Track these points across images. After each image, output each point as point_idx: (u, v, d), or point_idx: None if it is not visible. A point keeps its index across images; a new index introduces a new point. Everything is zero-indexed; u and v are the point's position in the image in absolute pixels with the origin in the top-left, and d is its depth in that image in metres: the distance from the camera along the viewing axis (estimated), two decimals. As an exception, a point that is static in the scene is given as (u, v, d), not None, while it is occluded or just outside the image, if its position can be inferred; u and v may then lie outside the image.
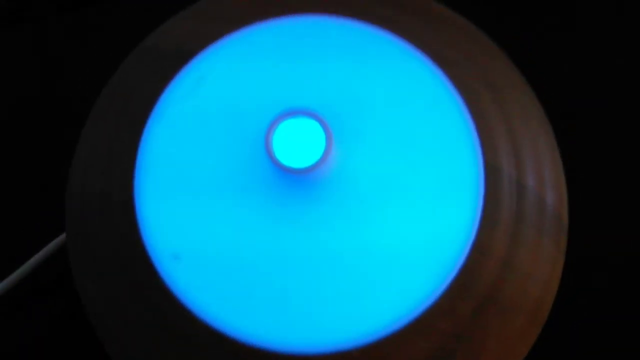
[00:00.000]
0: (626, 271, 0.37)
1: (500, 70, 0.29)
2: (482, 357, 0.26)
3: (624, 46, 0.39)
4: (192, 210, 0.26)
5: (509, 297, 0.27)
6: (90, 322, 0.28)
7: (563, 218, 0.28)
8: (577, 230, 0.36)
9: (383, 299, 0.25)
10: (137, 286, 0.26)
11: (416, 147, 0.26)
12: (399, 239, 0.26)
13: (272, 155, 0.23)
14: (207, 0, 0.29)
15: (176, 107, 0.27)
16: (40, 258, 0.32)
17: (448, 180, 0.26)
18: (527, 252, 0.27)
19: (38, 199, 0.37)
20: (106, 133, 0.28)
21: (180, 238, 0.26)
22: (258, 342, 0.25)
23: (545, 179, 0.28)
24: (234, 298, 0.25)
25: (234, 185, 0.25)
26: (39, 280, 0.34)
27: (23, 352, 0.34)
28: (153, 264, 0.26)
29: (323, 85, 0.26)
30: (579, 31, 0.39)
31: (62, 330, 0.34)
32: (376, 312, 0.25)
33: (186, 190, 0.26)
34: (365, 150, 0.26)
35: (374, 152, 0.26)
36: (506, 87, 0.29)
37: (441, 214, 0.26)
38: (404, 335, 0.25)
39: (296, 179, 0.24)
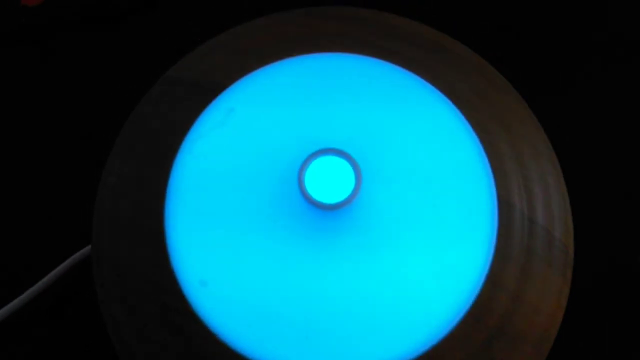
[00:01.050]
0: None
1: (511, 107, 0.31)
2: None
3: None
4: (220, 239, 0.27)
5: (518, 328, 0.28)
6: (113, 344, 0.29)
7: (569, 250, 0.30)
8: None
9: (399, 329, 0.27)
10: (164, 310, 0.27)
11: (435, 183, 0.27)
12: (417, 272, 0.27)
13: (304, 191, 0.24)
14: (234, 32, 0.30)
15: (206, 138, 0.27)
16: (59, 273, 0.33)
17: (464, 215, 0.28)
18: (536, 285, 0.28)
19: (60, 213, 0.37)
20: (135, 160, 0.28)
21: (208, 265, 0.26)
22: (280, 367, 0.26)
23: (554, 213, 0.29)
24: (259, 325, 0.26)
25: (261, 216, 0.26)
26: (57, 295, 0.35)
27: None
28: (181, 290, 0.26)
29: (348, 122, 0.27)
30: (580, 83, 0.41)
31: (81, 345, 0.35)
32: (393, 342, 0.27)
33: (215, 219, 0.27)
34: (388, 186, 0.27)
35: (395, 189, 0.27)
36: (517, 123, 0.30)
37: (457, 248, 0.27)
38: (420, 364, 0.27)
39: (324, 213, 0.26)
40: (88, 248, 0.35)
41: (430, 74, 0.29)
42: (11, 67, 0.40)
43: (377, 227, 0.27)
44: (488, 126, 0.29)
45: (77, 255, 0.35)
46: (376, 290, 0.26)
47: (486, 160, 0.28)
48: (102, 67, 0.40)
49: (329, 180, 0.25)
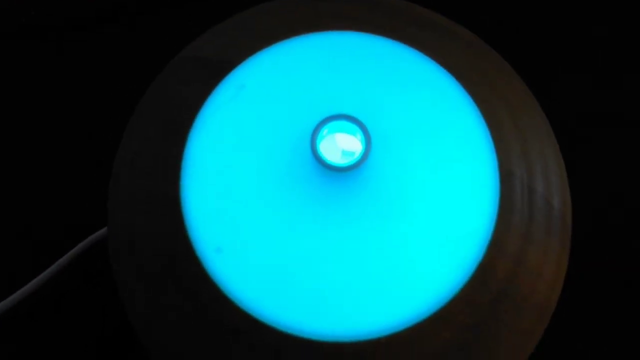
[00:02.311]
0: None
1: (511, 84, 0.32)
2: (497, 349, 0.29)
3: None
4: (234, 206, 0.28)
5: (521, 292, 0.29)
6: (128, 314, 0.29)
7: (567, 220, 0.31)
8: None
9: (408, 291, 0.28)
10: (181, 277, 0.28)
11: (439, 151, 0.29)
12: (423, 236, 0.28)
13: (316, 154, 0.25)
14: (244, 14, 0.32)
15: (219, 112, 0.29)
16: (77, 252, 0.34)
17: (468, 183, 0.29)
18: (537, 251, 0.30)
19: (76, 192, 0.38)
20: (151, 133, 0.30)
21: (223, 232, 0.27)
22: (294, 330, 0.27)
23: (552, 184, 0.31)
24: (273, 289, 0.27)
25: (274, 183, 0.28)
26: (75, 273, 0.36)
27: (60, 344, 0.35)
28: (197, 257, 0.27)
29: (357, 94, 0.29)
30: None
31: (98, 323, 0.35)
32: (402, 303, 0.28)
33: (229, 188, 0.28)
34: (395, 153, 0.28)
35: (402, 156, 0.28)
36: (515, 97, 0.32)
37: (462, 213, 0.28)
38: (427, 326, 0.28)
39: (335, 178, 0.27)
40: (88, 239, 0.36)
41: (434, 53, 0.30)
42: (15, 63, 0.41)
43: (384, 193, 0.28)
44: (488, 99, 0.30)
45: (78, 248, 0.35)
46: (383, 253, 0.27)
47: (487, 129, 0.29)
48: (103, 66, 0.41)
49: (339, 147, 0.26)
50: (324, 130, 0.26)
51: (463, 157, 0.29)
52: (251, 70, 0.29)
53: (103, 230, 0.34)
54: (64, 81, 0.41)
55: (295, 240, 0.27)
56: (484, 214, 0.29)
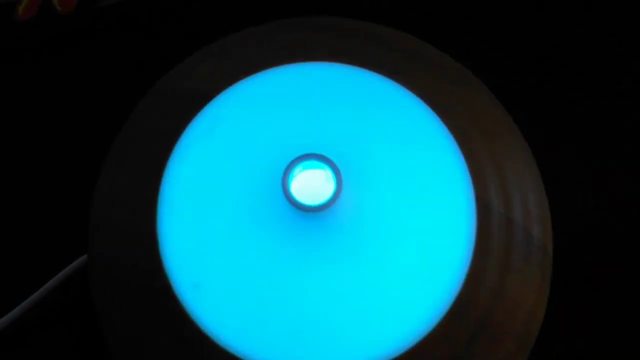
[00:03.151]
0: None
1: (489, 111, 0.32)
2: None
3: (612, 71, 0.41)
4: (211, 242, 0.28)
5: (499, 323, 0.29)
6: (108, 346, 0.30)
7: (548, 249, 0.31)
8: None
9: (385, 327, 0.28)
10: (158, 313, 0.28)
11: (414, 185, 0.29)
12: (399, 271, 0.28)
13: (288, 195, 0.25)
14: (222, 42, 0.32)
15: (196, 146, 0.29)
16: (57, 281, 0.34)
17: (443, 215, 0.29)
18: (516, 281, 0.30)
19: (56, 223, 0.38)
20: (128, 169, 0.30)
21: (201, 268, 0.28)
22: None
23: (532, 213, 0.31)
24: (250, 326, 0.27)
25: (249, 220, 0.28)
26: (55, 303, 0.36)
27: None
28: (174, 292, 0.28)
29: (331, 129, 0.29)
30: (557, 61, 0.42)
31: (78, 354, 0.36)
32: (379, 339, 0.28)
33: (205, 224, 0.28)
34: (369, 189, 0.28)
35: (376, 191, 0.28)
36: (494, 127, 0.31)
37: (438, 246, 0.28)
38: (404, 361, 0.28)
39: (308, 216, 0.27)
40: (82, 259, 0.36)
41: (409, 81, 0.30)
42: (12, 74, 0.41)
43: (359, 229, 0.28)
44: (465, 130, 0.30)
45: (73, 265, 0.36)
46: (359, 290, 0.28)
47: (464, 161, 0.29)
48: (95, 75, 0.41)
49: (313, 185, 0.26)
50: (296, 170, 0.26)
51: (439, 190, 0.29)
52: (229, 102, 0.30)
53: (84, 257, 0.35)
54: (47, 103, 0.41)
55: (271, 278, 0.27)
56: (461, 247, 0.29)
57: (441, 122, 0.30)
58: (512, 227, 0.30)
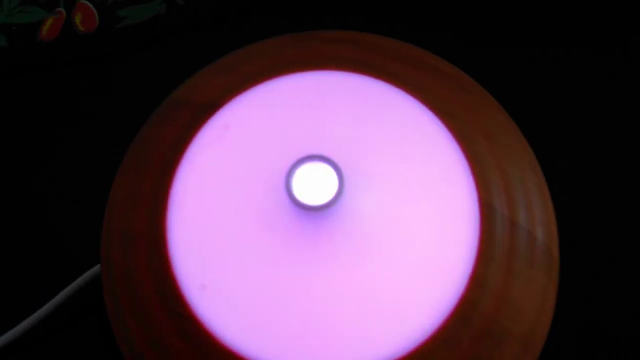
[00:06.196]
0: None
1: (493, 117, 0.32)
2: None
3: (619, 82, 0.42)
4: (217, 244, 0.29)
5: (504, 327, 0.29)
6: (119, 347, 0.30)
7: (553, 253, 0.31)
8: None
9: (388, 328, 0.28)
10: (168, 313, 0.29)
11: (419, 189, 0.29)
12: (403, 273, 0.28)
13: (291, 195, 0.26)
14: (232, 56, 0.33)
15: (204, 153, 0.30)
16: (74, 289, 0.35)
17: (448, 218, 0.29)
18: (520, 284, 0.30)
19: (67, 235, 0.39)
20: (140, 176, 0.31)
21: (207, 270, 0.28)
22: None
23: (536, 216, 0.31)
24: (256, 325, 0.28)
25: (254, 222, 0.28)
26: (72, 309, 0.37)
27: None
28: (183, 294, 0.28)
29: (336, 133, 0.29)
30: (563, 66, 0.42)
31: (94, 355, 0.37)
32: (382, 340, 0.28)
33: (212, 227, 0.29)
34: (373, 192, 0.29)
35: (381, 194, 0.29)
36: (498, 133, 0.32)
37: (441, 249, 0.29)
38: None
39: (312, 218, 0.27)
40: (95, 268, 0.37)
41: (413, 88, 0.31)
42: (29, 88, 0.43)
43: (363, 231, 0.28)
44: (469, 133, 0.31)
45: (86, 275, 0.37)
46: (364, 290, 0.28)
47: (467, 164, 0.30)
48: (95, 106, 0.43)
49: (315, 186, 0.27)
50: (299, 170, 0.27)
51: (442, 193, 0.29)
52: (235, 111, 0.30)
53: (97, 267, 0.36)
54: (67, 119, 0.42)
55: (275, 278, 0.28)
56: (464, 249, 0.29)
57: (445, 127, 0.30)
58: (515, 230, 0.30)
